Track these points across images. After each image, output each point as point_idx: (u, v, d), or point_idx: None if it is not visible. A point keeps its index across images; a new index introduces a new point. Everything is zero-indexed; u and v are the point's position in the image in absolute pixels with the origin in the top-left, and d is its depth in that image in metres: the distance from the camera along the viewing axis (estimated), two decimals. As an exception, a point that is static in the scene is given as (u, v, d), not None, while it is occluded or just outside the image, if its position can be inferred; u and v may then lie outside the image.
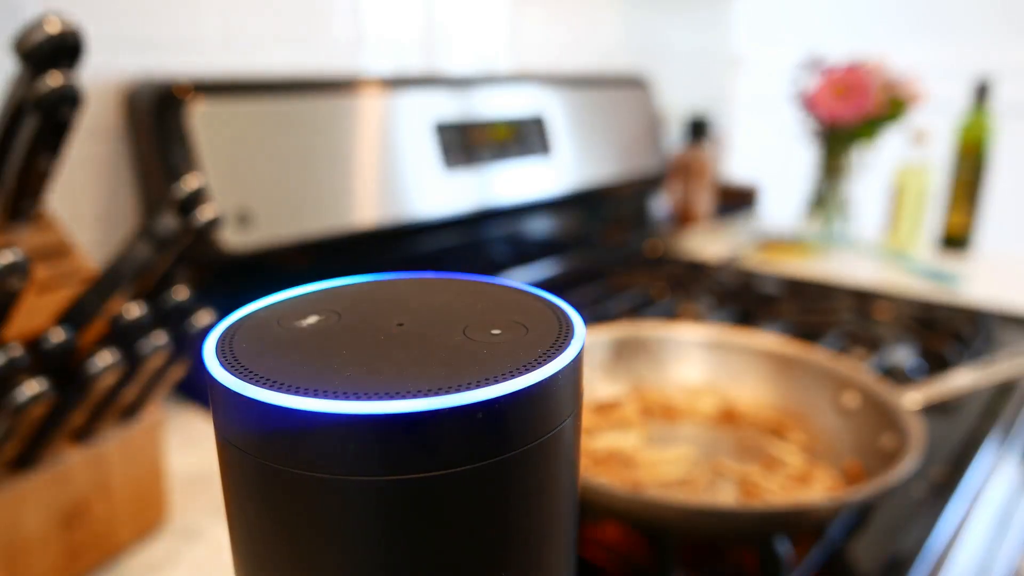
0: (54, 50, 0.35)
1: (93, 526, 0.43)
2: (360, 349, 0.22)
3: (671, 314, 0.87)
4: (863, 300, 0.94)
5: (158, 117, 0.62)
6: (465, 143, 0.86)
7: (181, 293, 0.44)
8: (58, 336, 0.38)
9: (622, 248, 1.19)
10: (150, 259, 0.41)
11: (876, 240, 1.27)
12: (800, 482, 0.52)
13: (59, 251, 0.44)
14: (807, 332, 0.79)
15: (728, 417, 0.61)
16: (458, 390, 0.19)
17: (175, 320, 0.44)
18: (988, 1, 1.43)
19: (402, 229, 0.79)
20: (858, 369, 0.58)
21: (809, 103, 1.19)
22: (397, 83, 0.80)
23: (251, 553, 0.22)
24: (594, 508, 0.44)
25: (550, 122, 0.98)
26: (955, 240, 1.23)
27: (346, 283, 0.27)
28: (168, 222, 0.41)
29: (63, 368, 0.38)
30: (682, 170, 1.34)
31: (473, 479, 0.20)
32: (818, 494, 0.50)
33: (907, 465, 0.45)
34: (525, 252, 1.01)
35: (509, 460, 0.20)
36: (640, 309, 0.88)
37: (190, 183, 0.42)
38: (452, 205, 0.84)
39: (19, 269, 0.32)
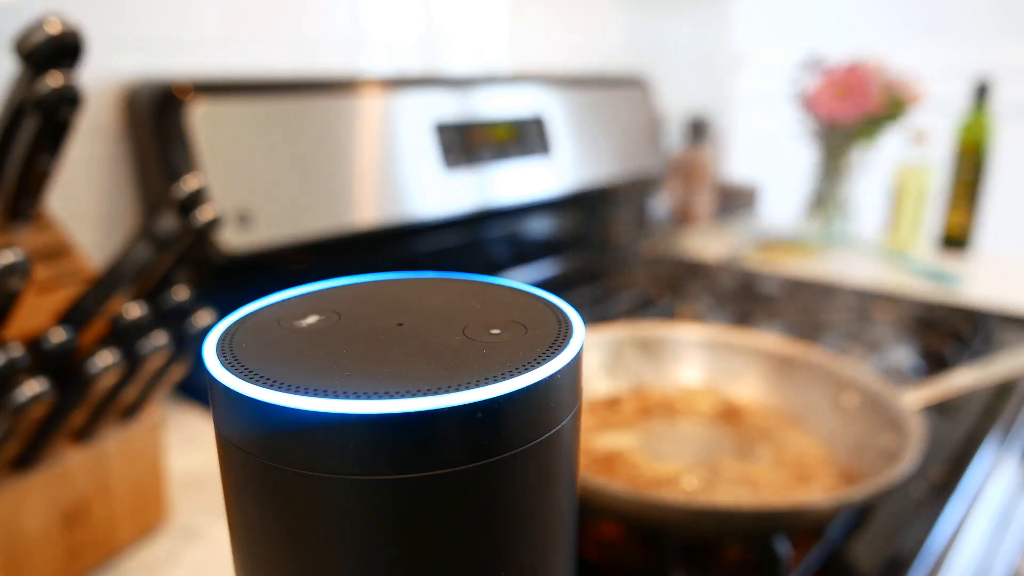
0: (54, 51, 0.35)
1: (93, 526, 0.43)
2: (360, 349, 0.22)
3: (671, 314, 0.87)
4: (863, 300, 0.94)
5: (158, 117, 0.62)
6: (465, 143, 0.86)
7: (181, 293, 0.44)
8: (58, 336, 0.38)
9: (622, 248, 1.19)
10: (150, 259, 0.41)
11: (876, 240, 1.27)
12: (800, 482, 0.52)
13: (59, 251, 0.44)
14: (807, 332, 0.79)
15: (727, 417, 0.61)
16: (458, 390, 0.19)
17: (175, 320, 0.44)
18: (988, 1, 1.43)
19: (402, 229, 0.79)
20: (858, 369, 0.58)
21: (809, 103, 1.19)
22: (397, 83, 0.80)
23: (251, 553, 0.22)
24: (594, 508, 0.44)
25: (550, 122, 0.98)
26: (955, 240, 1.23)
27: (346, 283, 0.28)
28: (168, 222, 0.41)
29: (63, 368, 0.38)
30: (682, 170, 1.34)
31: (473, 478, 0.20)
32: (818, 494, 0.50)
33: (907, 465, 0.45)
34: (525, 252, 1.01)
35: (508, 459, 0.20)
36: (640, 309, 0.88)
37: (190, 183, 0.42)
38: (452, 205, 0.84)
39: (19, 269, 0.32)
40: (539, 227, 1.02)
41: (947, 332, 0.82)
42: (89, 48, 0.37)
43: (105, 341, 0.40)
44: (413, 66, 0.89)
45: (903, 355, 0.74)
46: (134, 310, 0.40)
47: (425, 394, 0.19)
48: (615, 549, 0.48)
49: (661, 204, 1.31)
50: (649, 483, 0.51)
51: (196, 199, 0.42)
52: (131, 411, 0.45)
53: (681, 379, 0.65)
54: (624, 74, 1.17)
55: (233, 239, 0.64)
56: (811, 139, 1.24)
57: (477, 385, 0.19)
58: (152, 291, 0.43)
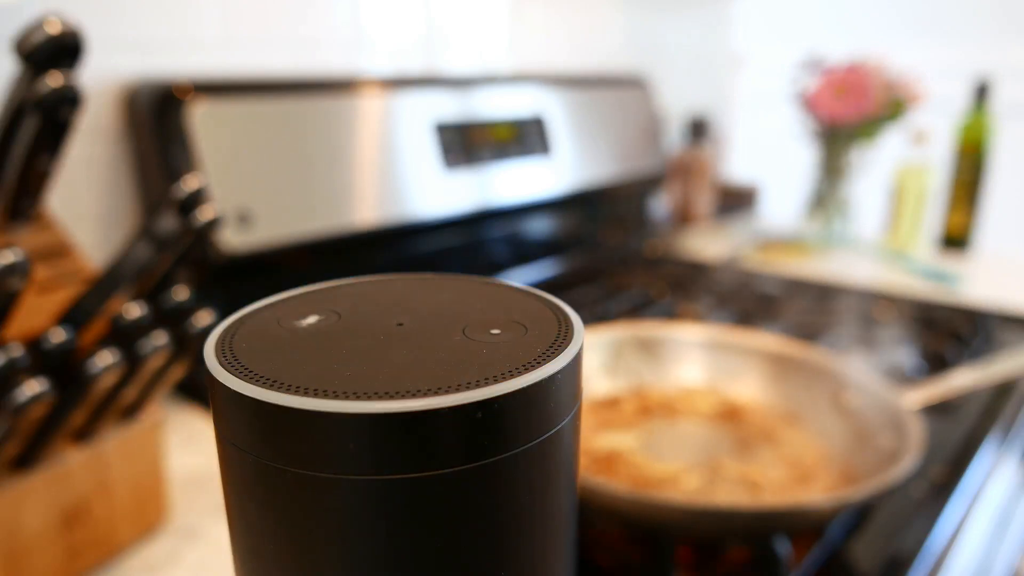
0: (54, 51, 0.35)
1: (93, 526, 0.43)
2: (360, 349, 0.22)
3: (671, 314, 0.87)
4: (863, 300, 0.94)
5: (158, 117, 0.62)
6: (465, 143, 0.86)
7: (181, 293, 0.44)
8: (58, 336, 0.38)
9: (622, 248, 1.19)
10: (150, 259, 0.41)
11: (876, 240, 1.27)
12: (800, 482, 0.52)
13: (59, 251, 0.44)
14: (807, 332, 0.79)
15: (728, 417, 0.61)
16: (457, 390, 0.19)
17: (175, 320, 0.44)
18: (988, 1, 1.43)
19: (402, 229, 0.79)
20: (858, 369, 0.58)
21: (809, 103, 1.19)
22: (397, 83, 0.80)
23: (251, 552, 0.22)
24: (594, 508, 0.44)
25: (550, 122, 0.98)
26: (955, 240, 1.23)
27: (346, 283, 0.28)
28: (168, 222, 0.41)
29: (63, 368, 0.38)
30: (682, 170, 1.34)
31: (472, 478, 0.20)
32: (818, 494, 0.50)
33: (907, 465, 0.45)
34: (525, 252, 1.01)
35: (508, 459, 0.20)
36: (640, 309, 0.88)
37: (190, 183, 0.42)
38: (452, 205, 0.84)
39: (19, 269, 0.32)
40: (539, 227, 1.02)
41: (947, 332, 0.82)
42: (89, 48, 0.37)
43: (105, 341, 0.40)
44: (413, 66, 0.89)
45: (903, 355, 0.74)
46: (134, 310, 0.40)
47: (425, 394, 0.19)
48: (615, 549, 0.48)
49: (661, 204, 1.31)
50: (649, 483, 0.51)
51: (196, 199, 0.42)
52: (131, 411, 0.45)
53: (681, 379, 0.65)
54: (624, 74, 1.17)
55: (233, 239, 0.64)
56: (811, 139, 1.24)
57: (477, 385, 0.19)
58: (152, 291, 0.43)
